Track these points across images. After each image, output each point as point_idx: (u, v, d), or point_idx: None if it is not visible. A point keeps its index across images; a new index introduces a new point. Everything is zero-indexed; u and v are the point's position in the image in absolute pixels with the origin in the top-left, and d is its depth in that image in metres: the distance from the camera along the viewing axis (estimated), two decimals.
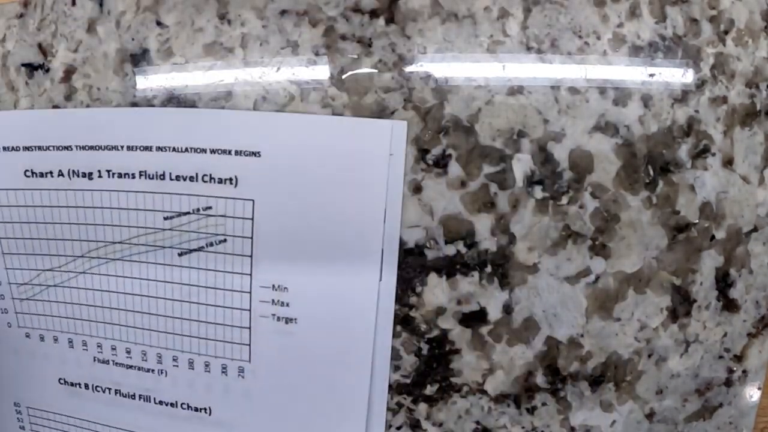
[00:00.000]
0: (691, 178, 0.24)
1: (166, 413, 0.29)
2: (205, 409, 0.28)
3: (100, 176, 0.26)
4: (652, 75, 0.23)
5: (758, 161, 0.24)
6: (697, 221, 0.25)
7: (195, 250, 0.26)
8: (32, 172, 0.27)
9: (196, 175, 0.26)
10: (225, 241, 0.26)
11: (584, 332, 0.26)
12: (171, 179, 0.26)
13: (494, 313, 0.26)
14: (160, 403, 0.29)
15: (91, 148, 0.26)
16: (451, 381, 0.27)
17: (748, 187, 0.25)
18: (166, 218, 0.26)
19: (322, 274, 0.26)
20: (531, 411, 0.27)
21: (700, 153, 0.24)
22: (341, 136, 0.24)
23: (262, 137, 0.25)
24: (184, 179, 0.26)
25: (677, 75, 0.23)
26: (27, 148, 0.27)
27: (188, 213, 0.26)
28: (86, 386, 0.30)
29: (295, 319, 0.26)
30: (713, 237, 0.25)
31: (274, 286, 0.26)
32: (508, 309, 0.26)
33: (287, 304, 0.26)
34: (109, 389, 0.29)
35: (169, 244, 0.27)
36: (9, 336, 0.29)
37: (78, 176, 0.27)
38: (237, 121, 0.25)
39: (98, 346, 0.29)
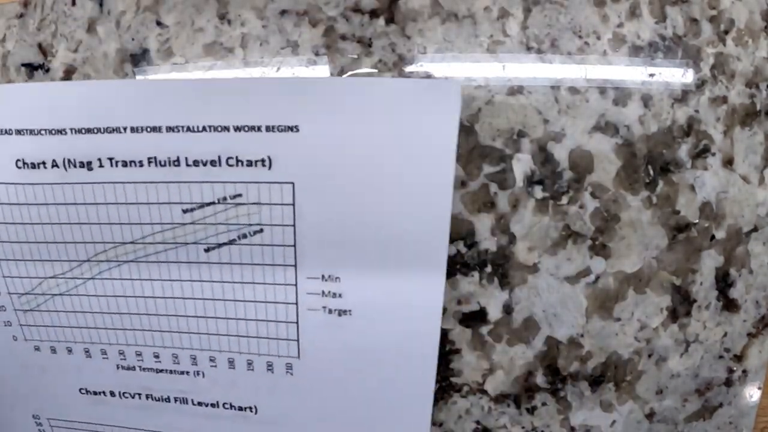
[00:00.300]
0: (691, 178, 0.24)
1: (207, 414, 0.27)
2: (251, 408, 0.27)
3: (101, 166, 0.23)
4: (652, 75, 0.23)
5: (758, 161, 0.24)
6: (697, 221, 0.25)
7: (225, 244, 0.23)
8: (24, 163, 0.23)
9: (219, 158, 0.22)
10: (261, 231, 0.23)
11: (584, 332, 0.26)
12: (187, 165, 0.22)
13: (494, 313, 0.26)
14: (200, 404, 0.27)
15: (88, 131, 0.22)
16: (451, 381, 0.27)
17: (748, 187, 0.25)
18: (185, 211, 0.23)
19: (380, 263, 0.23)
20: (531, 411, 0.27)
21: (700, 153, 0.24)
22: (397, 101, 0.21)
23: (300, 108, 0.21)
24: (204, 164, 0.22)
25: (677, 75, 0.23)
26: (19, 132, 0.23)
27: (212, 203, 0.23)
28: (111, 393, 0.27)
29: (349, 311, 0.24)
30: (713, 237, 0.25)
31: (323, 276, 0.23)
32: (508, 309, 0.26)
33: (339, 295, 0.23)
34: (139, 394, 0.27)
35: (192, 240, 0.23)
36: (16, 350, 0.27)
37: (74, 166, 0.23)
38: (268, 91, 0.21)
39: (120, 354, 0.26)
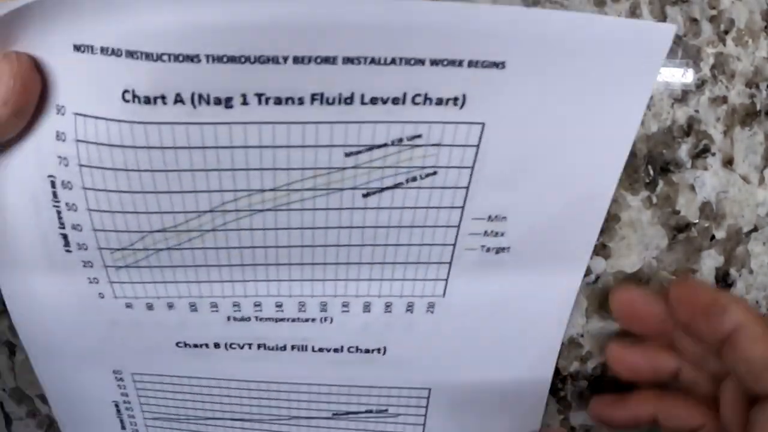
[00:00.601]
0: (691, 178, 0.24)
1: (327, 359, 0.25)
2: (379, 349, 0.25)
3: (244, 103, 0.18)
4: None
5: (758, 161, 0.24)
6: (697, 221, 0.25)
7: (389, 188, 0.21)
8: (135, 96, 0.18)
9: (404, 95, 0.19)
10: (435, 173, 0.20)
11: (584, 332, 0.26)
12: (362, 103, 0.19)
13: None
14: (320, 350, 0.25)
15: (232, 60, 0.17)
16: None
17: (748, 187, 0.25)
18: (348, 154, 0.20)
19: (546, 207, 0.21)
20: None
21: (700, 153, 0.24)
22: (610, 41, 0.18)
23: (511, 42, 0.18)
24: (384, 102, 0.19)
25: (677, 75, 0.23)
26: (131, 55, 0.17)
27: (384, 145, 0.20)
28: (216, 345, 0.25)
29: (508, 248, 0.22)
30: (713, 237, 0.25)
31: (490, 216, 0.21)
32: None
33: (501, 234, 0.22)
34: (249, 345, 0.25)
35: (350, 185, 0.20)
36: (102, 308, 0.24)
37: (208, 103, 0.18)
38: (479, 21, 0.18)
39: (234, 306, 0.24)
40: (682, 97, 0.23)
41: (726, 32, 0.23)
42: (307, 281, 0.23)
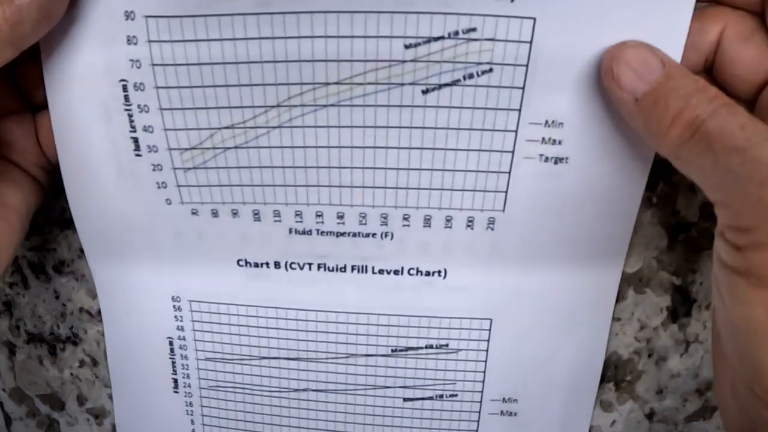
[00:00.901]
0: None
1: (386, 283, 0.24)
2: (440, 271, 0.24)
3: None
4: None
5: None
6: (697, 221, 0.25)
7: (447, 84, 0.21)
8: None
9: None
10: (491, 71, 0.20)
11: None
12: None
13: None
14: (380, 272, 0.24)
15: None
16: None
17: None
18: (407, 46, 0.20)
19: (603, 112, 0.21)
20: None
21: None
22: None
23: None
24: None
25: None
26: None
27: (441, 38, 0.20)
28: (276, 265, 0.25)
29: (567, 158, 0.21)
30: (713, 237, 0.25)
31: (547, 122, 0.21)
32: None
33: (559, 142, 0.21)
34: (309, 265, 0.24)
35: (410, 80, 0.21)
36: (168, 215, 0.24)
37: None
38: None
39: (297, 215, 0.24)
40: None
41: None
42: (369, 188, 0.23)
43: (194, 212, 0.24)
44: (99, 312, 0.27)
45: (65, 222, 0.26)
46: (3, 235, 0.22)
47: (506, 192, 0.22)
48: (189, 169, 0.23)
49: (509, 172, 0.22)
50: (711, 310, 0.21)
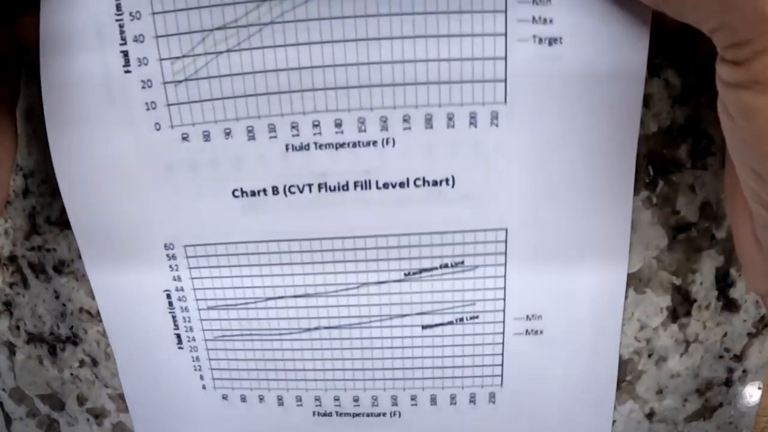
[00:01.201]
0: (691, 178, 0.24)
1: (393, 198, 0.23)
2: (447, 179, 0.23)
3: None
4: (652, 75, 0.23)
5: None
6: (696, 221, 0.25)
7: None
8: None
9: None
10: None
11: None
12: None
13: None
14: (384, 186, 0.23)
15: None
16: None
17: None
18: None
19: None
20: None
21: (700, 153, 0.24)
22: None
23: None
24: None
25: (677, 75, 0.23)
26: None
27: None
28: (274, 190, 0.23)
29: (560, 38, 0.21)
30: (713, 237, 0.25)
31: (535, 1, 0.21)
32: None
33: (551, 21, 0.21)
34: (309, 186, 0.23)
35: None
36: (158, 141, 0.22)
37: None
38: None
39: (293, 128, 0.22)
40: (682, 96, 0.23)
41: None
42: (365, 87, 0.22)
43: (185, 137, 0.22)
44: (99, 312, 0.27)
45: (65, 222, 0.26)
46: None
47: (505, 81, 0.21)
48: (180, 82, 0.22)
49: (505, 58, 0.21)
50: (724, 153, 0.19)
